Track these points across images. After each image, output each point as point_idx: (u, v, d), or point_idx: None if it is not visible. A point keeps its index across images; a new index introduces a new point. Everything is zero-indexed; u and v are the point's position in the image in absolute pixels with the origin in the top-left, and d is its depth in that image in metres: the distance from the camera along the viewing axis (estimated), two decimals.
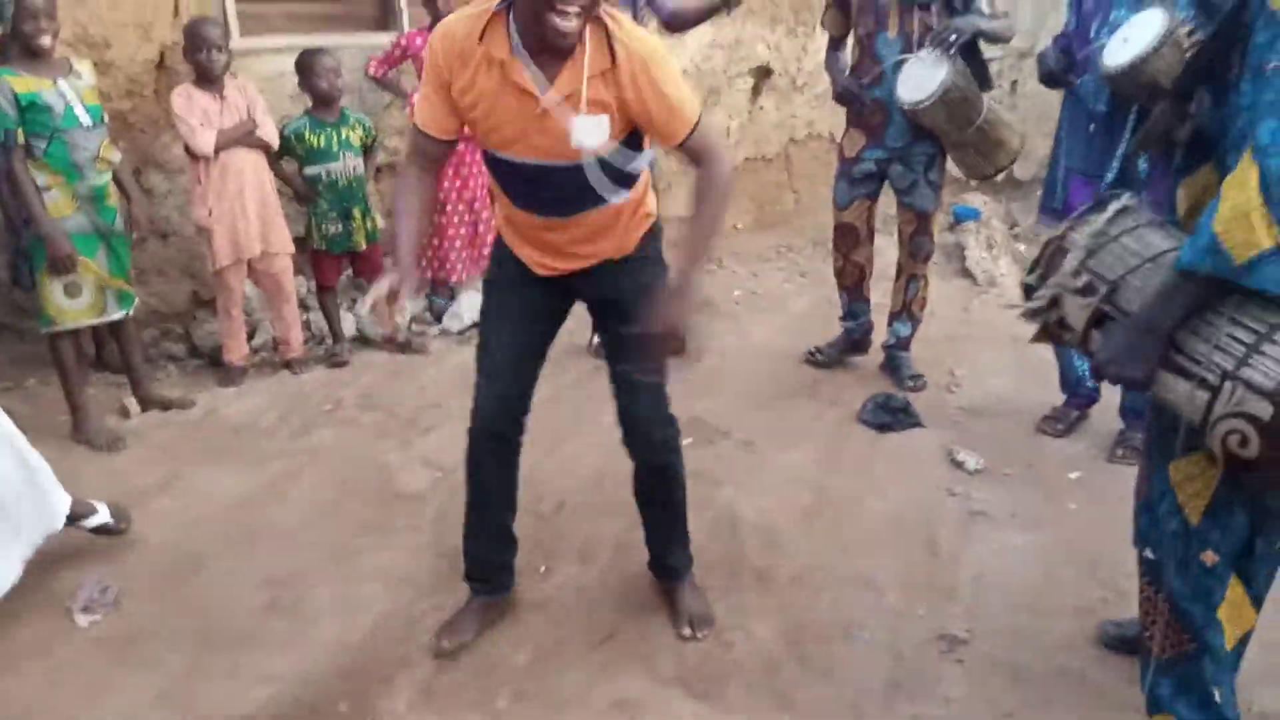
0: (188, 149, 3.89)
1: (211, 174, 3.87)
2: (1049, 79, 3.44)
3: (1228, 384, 1.52)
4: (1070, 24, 3.41)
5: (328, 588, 2.68)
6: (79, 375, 3.60)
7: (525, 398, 2.38)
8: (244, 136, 3.90)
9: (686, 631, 2.45)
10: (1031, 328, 1.89)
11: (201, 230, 3.99)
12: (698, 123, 2.07)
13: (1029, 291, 1.84)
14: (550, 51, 1.95)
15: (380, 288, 2.04)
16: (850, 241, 4.04)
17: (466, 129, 2.15)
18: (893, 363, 4.11)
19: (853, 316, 4.20)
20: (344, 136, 4.19)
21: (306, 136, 4.14)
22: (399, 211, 2.18)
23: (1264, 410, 1.48)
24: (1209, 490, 1.71)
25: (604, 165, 2.09)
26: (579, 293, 2.36)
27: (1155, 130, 1.83)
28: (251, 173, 3.94)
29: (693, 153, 2.10)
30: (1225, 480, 1.68)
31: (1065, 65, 3.34)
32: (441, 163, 2.24)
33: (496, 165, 2.16)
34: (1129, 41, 2.95)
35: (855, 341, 4.24)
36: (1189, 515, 1.74)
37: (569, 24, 1.88)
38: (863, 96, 3.78)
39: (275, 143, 4.05)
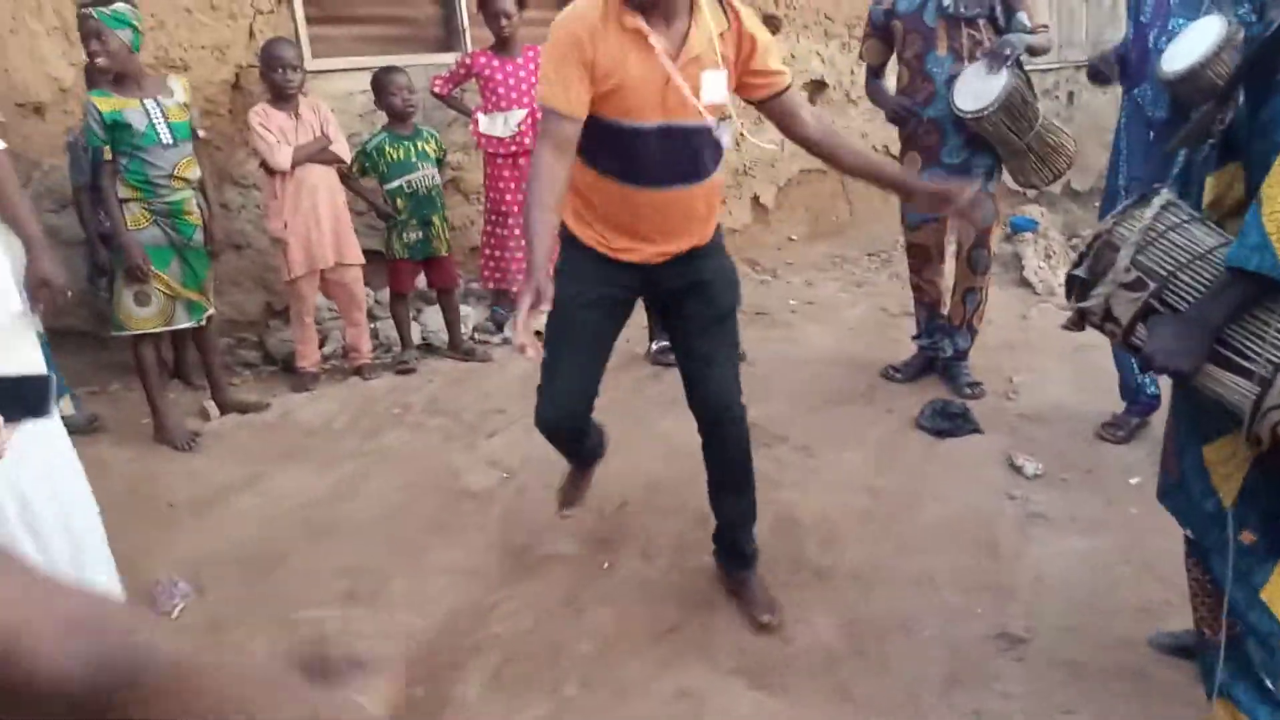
0: (264, 164, 4.07)
1: (287, 188, 4.04)
2: (1095, 75, 3.49)
3: None
4: (1129, 34, 3.44)
5: (401, 581, 2.78)
6: (159, 379, 3.76)
7: (590, 400, 2.47)
8: (318, 152, 4.06)
9: (766, 618, 2.51)
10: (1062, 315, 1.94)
11: (277, 242, 4.15)
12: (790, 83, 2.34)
13: (1075, 283, 1.88)
14: (657, 13, 2.10)
15: (522, 309, 1.94)
16: (923, 260, 4.10)
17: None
18: (950, 371, 4.14)
19: (928, 335, 4.23)
20: (420, 148, 4.36)
21: (386, 150, 4.30)
22: (533, 206, 2.09)
23: None
24: (1241, 472, 1.76)
25: (713, 130, 2.25)
26: (657, 283, 2.41)
27: (1197, 128, 1.88)
28: (324, 187, 4.11)
29: (791, 103, 2.33)
30: (1258, 463, 1.72)
31: (1116, 71, 3.40)
32: (573, 149, 2.18)
33: (621, 139, 2.18)
34: (1187, 48, 2.98)
35: (930, 360, 4.25)
36: (1223, 497, 1.79)
37: None
38: (915, 110, 3.83)
39: (348, 158, 4.21)
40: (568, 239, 2.41)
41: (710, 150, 2.28)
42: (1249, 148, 1.74)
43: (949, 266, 4.20)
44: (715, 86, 2.18)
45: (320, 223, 4.07)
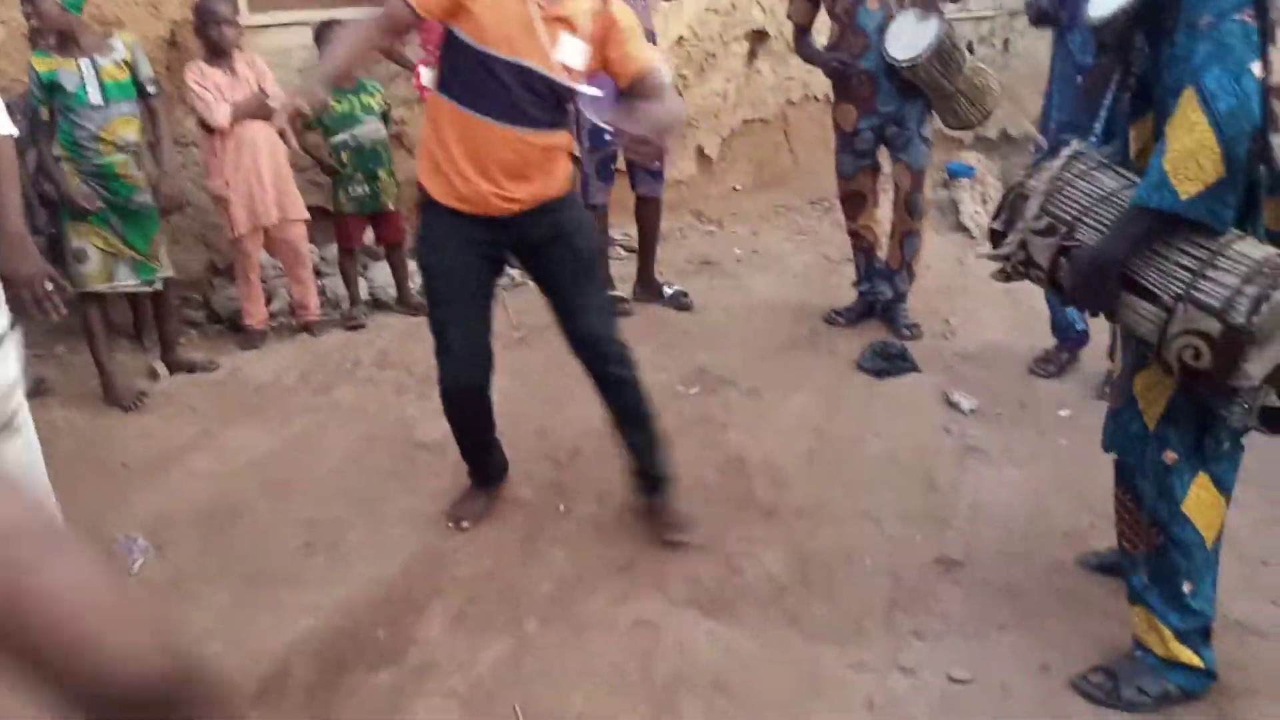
0: (201, 123, 4.01)
1: (227, 146, 4.00)
2: (1039, 17, 3.59)
3: (1180, 305, 1.71)
4: None
5: (360, 530, 2.83)
6: (105, 340, 3.74)
7: (487, 354, 2.66)
8: (257, 108, 4.01)
9: (681, 536, 2.67)
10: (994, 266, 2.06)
11: (219, 200, 4.11)
12: (656, 68, 2.47)
13: (995, 236, 2.03)
14: None
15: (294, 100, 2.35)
16: (858, 206, 4.20)
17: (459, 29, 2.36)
18: (889, 314, 4.25)
19: (867, 280, 4.33)
20: (365, 102, 4.32)
21: (330, 104, 4.25)
22: (339, 38, 2.52)
23: (1213, 327, 1.68)
24: (1164, 398, 1.91)
25: (568, 91, 2.42)
26: (518, 236, 2.55)
27: (1098, 77, 2.00)
28: (265, 143, 4.06)
29: (649, 86, 2.43)
30: (1179, 388, 1.87)
31: (1057, 3, 3.50)
32: (395, 38, 2.55)
33: (475, 63, 2.35)
34: None
35: (870, 304, 4.35)
36: (1147, 420, 1.94)
37: None
38: (856, 67, 3.89)
39: None
40: (426, 204, 2.55)
41: (558, 107, 2.44)
42: (1157, 95, 1.85)
43: (883, 212, 4.31)
44: (571, 50, 2.36)
45: (262, 179, 4.03)
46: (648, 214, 4.53)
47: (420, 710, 2.14)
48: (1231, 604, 2.29)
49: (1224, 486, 1.97)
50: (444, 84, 2.45)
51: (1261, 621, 2.31)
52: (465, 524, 2.81)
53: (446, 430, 3.37)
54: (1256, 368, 1.69)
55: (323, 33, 4.28)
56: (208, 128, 3.99)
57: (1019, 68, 7.56)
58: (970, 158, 6.37)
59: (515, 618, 2.42)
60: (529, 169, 2.45)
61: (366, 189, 4.36)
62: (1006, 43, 7.76)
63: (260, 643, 2.37)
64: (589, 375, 2.65)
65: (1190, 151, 1.65)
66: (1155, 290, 1.75)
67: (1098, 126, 3.43)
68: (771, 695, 2.16)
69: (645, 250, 4.60)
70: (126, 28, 4.25)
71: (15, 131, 2.32)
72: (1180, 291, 1.72)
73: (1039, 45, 7.55)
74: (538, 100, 2.38)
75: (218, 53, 3.96)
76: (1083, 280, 1.82)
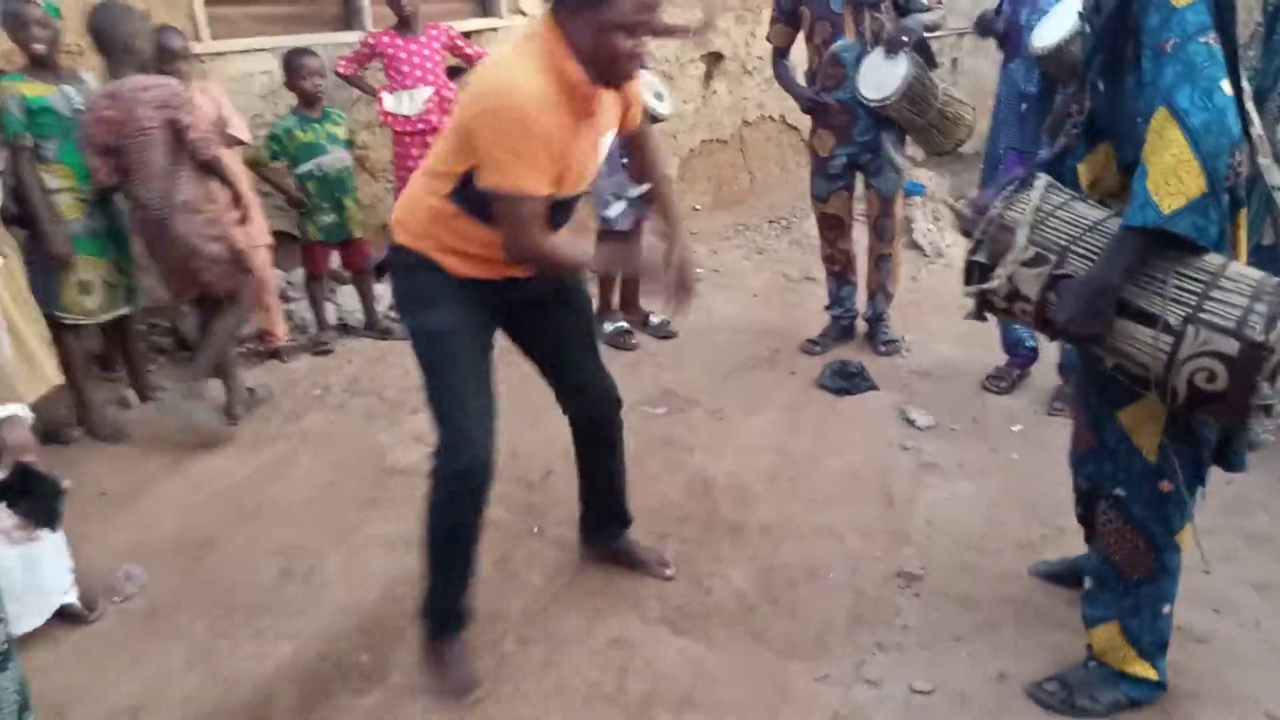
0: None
1: None
2: (985, 28, 3.74)
3: (1190, 328, 1.69)
4: (1005, 9, 3.69)
5: (336, 557, 2.89)
6: (85, 369, 3.75)
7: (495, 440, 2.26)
8: (217, 135, 4.03)
9: (669, 572, 2.72)
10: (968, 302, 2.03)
11: None
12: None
13: (975, 269, 1.94)
14: (603, 83, 2.06)
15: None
16: (836, 230, 4.30)
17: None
18: (871, 330, 4.40)
19: (839, 304, 4.43)
20: (329, 131, 4.36)
21: (295, 134, 4.30)
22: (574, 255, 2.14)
23: (1231, 346, 1.67)
24: (1159, 429, 1.95)
25: None
26: (521, 296, 2.32)
27: (1060, 113, 2.08)
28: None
29: (644, 131, 2.45)
30: (1173, 418, 1.91)
31: (1001, 24, 3.66)
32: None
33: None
34: (1054, 25, 3.23)
35: (845, 328, 4.45)
36: (1146, 454, 1.98)
37: (638, 66, 2.07)
38: (830, 105, 4.02)
39: (247, 138, 4.20)
40: (424, 263, 2.19)
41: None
42: (1115, 126, 1.90)
43: (857, 233, 4.43)
44: (606, 148, 2.26)
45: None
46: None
47: None
48: (1176, 611, 2.42)
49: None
50: (470, 205, 2.08)
51: (1203, 628, 2.45)
52: (474, 694, 2.29)
53: (419, 455, 3.44)
54: (1274, 385, 1.67)
55: (291, 60, 4.30)
56: None
57: (965, 85, 7.76)
58: (921, 175, 6.53)
59: (493, 639, 2.49)
60: None
61: (334, 218, 4.41)
62: (955, 61, 7.98)
63: (242, 671, 2.43)
64: (584, 432, 2.62)
65: (1170, 168, 1.64)
66: (1157, 314, 1.71)
67: (1043, 153, 3.60)
68: (740, 710, 2.25)
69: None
70: (87, 57, 4.25)
71: None
72: (1187, 314, 1.68)
73: (986, 64, 7.78)
74: (572, 211, 2.28)
75: None
76: (1079, 308, 1.76)
